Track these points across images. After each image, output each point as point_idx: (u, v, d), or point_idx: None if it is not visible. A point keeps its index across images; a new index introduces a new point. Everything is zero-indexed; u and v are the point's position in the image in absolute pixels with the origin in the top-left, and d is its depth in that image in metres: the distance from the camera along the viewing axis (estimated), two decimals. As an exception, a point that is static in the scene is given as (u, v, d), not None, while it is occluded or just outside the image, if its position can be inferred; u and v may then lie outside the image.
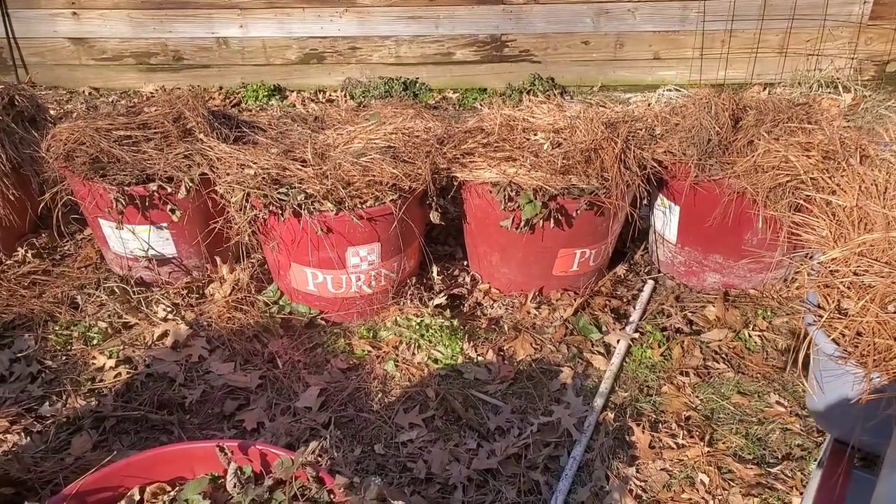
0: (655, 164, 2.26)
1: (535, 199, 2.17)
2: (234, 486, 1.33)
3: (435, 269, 2.58)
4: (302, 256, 2.26)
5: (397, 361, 2.26)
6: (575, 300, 2.47)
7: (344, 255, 2.24)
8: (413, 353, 2.29)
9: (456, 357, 2.27)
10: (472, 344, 2.30)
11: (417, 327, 2.35)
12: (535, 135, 2.30)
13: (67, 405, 2.06)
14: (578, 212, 2.19)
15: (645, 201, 2.42)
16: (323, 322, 2.44)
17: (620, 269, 2.68)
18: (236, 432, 1.99)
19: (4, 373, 2.17)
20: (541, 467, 1.89)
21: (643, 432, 1.96)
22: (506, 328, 2.41)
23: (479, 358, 2.27)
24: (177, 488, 1.38)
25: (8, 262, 2.67)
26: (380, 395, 2.14)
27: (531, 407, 2.10)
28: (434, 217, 2.32)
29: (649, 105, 2.47)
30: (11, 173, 2.48)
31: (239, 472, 1.35)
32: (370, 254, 2.27)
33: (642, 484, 1.84)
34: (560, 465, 1.90)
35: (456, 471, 1.86)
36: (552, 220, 2.21)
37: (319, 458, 1.33)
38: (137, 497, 1.35)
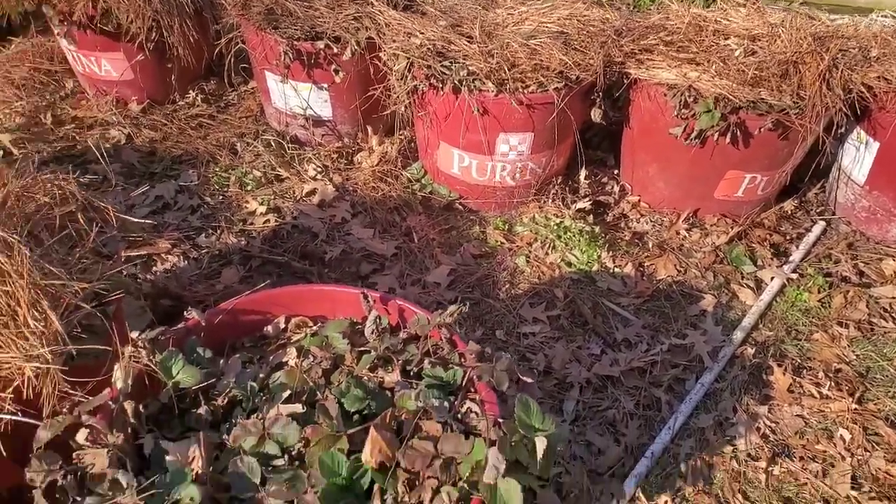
0: (863, 91, 1.98)
1: (715, 109, 1.98)
2: (372, 333, 1.37)
3: (584, 171, 2.47)
4: (453, 136, 2.22)
5: (529, 258, 2.22)
6: (731, 228, 2.29)
7: (494, 140, 2.18)
8: (546, 253, 2.23)
9: (591, 264, 2.19)
10: (610, 254, 2.21)
11: (555, 228, 2.28)
12: (727, 39, 2.07)
13: (220, 240, 2.21)
14: (761, 130, 1.98)
15: (841, 130, 2.15)
16: (460, 207, 2.42)
17: (789, 205, 2.44)
18: (368, 293, 2.05)
19: (170, 201, 2.34)
20: (664, 386, 1.81)
21: (784, 374, 1.82)
22: (650, 245, 2.28)
23: (616, 269, 2.18)
24: (318, 325, 1.44)
25: (180, 102, 2.84)
26: (507, 286, 2.12)
27: (664, 327, 2.00)
28: (596, 115, 2.19)
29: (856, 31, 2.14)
30: (194, 16, 2.59)
31: (378, 320, 1.38)
32: (521, 143, 2.20)
33: (772, 425, 1.73)
34: (685, 388, 1.82)
35: (576, 370, 1.83)
36: (728, 136, 2.01)
37: (452, 324, 1.33)
38: (283, 325, 1.42)
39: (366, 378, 1.31)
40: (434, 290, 2.07)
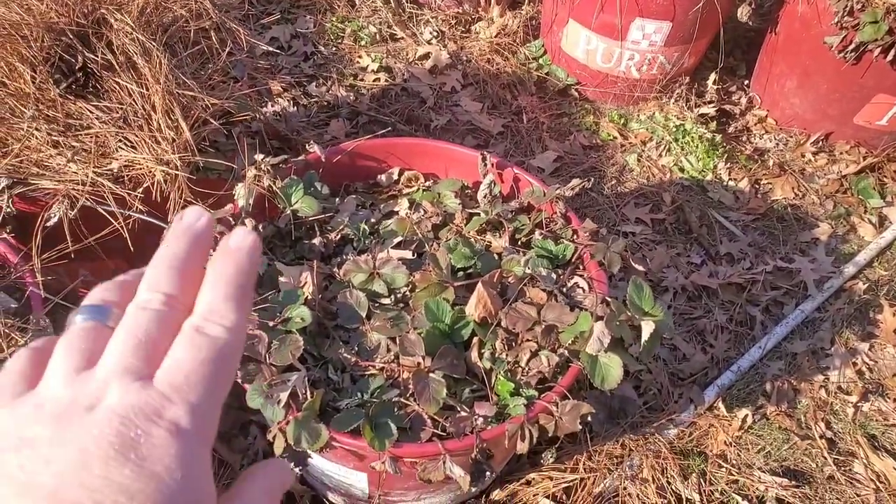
0: None
1: (883, 20, 1.77)
2: (485, 198, 1.35)
3: (713, 76, 2.30)
4: (585, 14, 2.08)
5: (641, 157, 2.12)
6: (864, 158, 2.12)
7: (628, 26, 2.04)
8: (660, 155, 2.13)
9: (705, 173, 2.08)
10: (727, 165, 2.09)
11: (674, 130, 2.16)
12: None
13: (331, 91, 2.19)
14: (933, 50, 1.77)
15: None
16: (576, 94, 2.32)
17: (934, 144, 2.23)
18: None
19: (285, 44, 2.33)
20: (762, 306, 1.75)
21: (894, 315, 1.72)
22: (770, 163, 2.14)
23: (731, 182, 2.07)
24: (430, 182, 1.43)
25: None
26: (613, 182, 2.05)
27: (771, 248, 1.91)
28: (743, 13, 2.01)
29: None
30: None
31: (492, 185, 1.36)
32: (656, 33, 2.05)
33: (870, 363, 1.66)
34: (783, 312, 1.75)
35: (672, 276, 1.78)
36: (891, 54, 1.81)
37: (570, 199, 1.29)
38: (396, 177, 1.42)
39: (473, 239, 1.30)
40: (537, 175, 2.02)
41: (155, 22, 1.39)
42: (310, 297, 1.14)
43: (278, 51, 2.30)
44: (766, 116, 2.29)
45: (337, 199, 1.33)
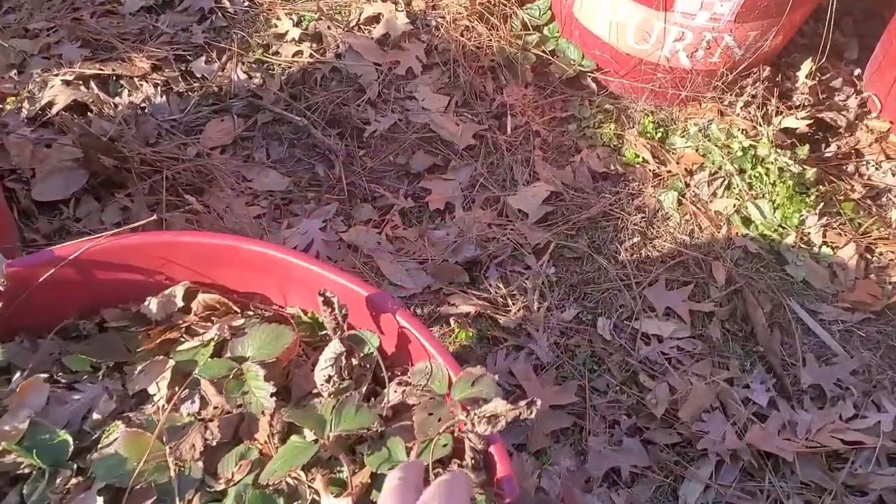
0: None
1: None
2: (329, 382, 0.65)
3: (807, 65, 1.50)
4: (609, -35, 1.30)
5: (685, 196, 1.37)
6: None
7: (679, -14, 1.25)
8: (714, 195, 1.37)
9: (785, 231, 1.32)
10: (821, 220, 1.32)
11: (740, 154, 1.39)
12: None
13: (225, 70, 1.47)
14: None
15: None
16: (593, 85, 1.54)
17: None
18: (412, 206, 1.31)
19: (172, -4, 1.60)
20: (874, 499, 1.03)
21: None
22: (894, 216, 1.36)
23: (826, 250, 1.30)
24: (246, 317, 0.73)
25: None
26: (636, 240, 1.30)
27: (894, 377, 1.16)
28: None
29: None
30: None
31: (340, 358, 0.65)
32: (723, 2, 1.26)
33: None
34: (905, 509, 1.02)
35: (717, 428, 1.06)
36: None
37: (502, 422, 0.58)
38: (180, 302, 0.72)
39: (283, 487, 0.61)
40: (514, 223, 1.29)
41: None
42: None
43: (160, 8, 1.58)
44: (889, 131, 1.49)
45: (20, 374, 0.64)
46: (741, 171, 1.38)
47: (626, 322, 1.20)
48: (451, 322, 1.17)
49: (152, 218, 0.70)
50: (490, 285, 1.22)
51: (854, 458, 1.05)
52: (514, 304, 1.20)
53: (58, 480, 0.59)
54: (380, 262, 1.22)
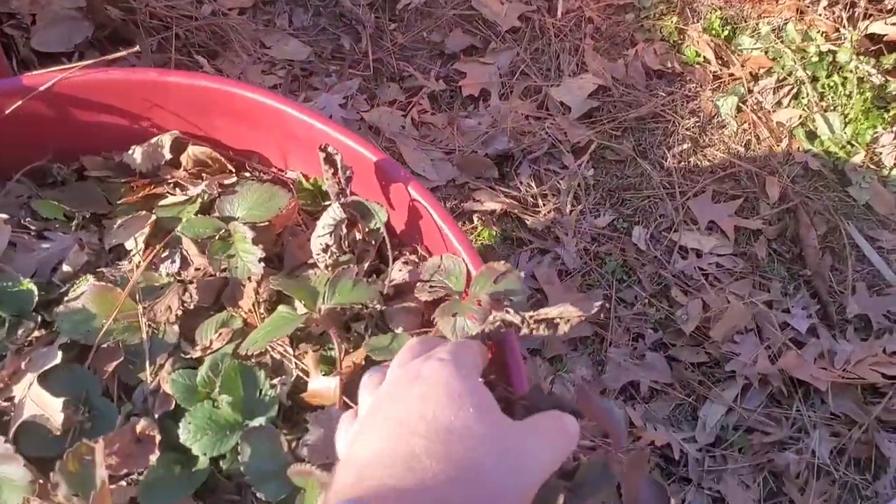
0: None
1: None
2: (326, 252, 0.57)
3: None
4: None
5: (745, 103, 1.23)
6: None
7: None
8: (779, 103, 1.23)
9: (854, 149, 1.19)
10: (897, 139, 1.18)
11: (815, 60, 1.24)
12: None
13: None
14: None
15: None
16: (658, -28, 1.38)
17: None
18: (443, 89, 1.19)
19: None
20: (907, 440, 0.95)
21: None
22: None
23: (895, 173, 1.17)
24: (241, 178, 0.65)
25: None
26: (686, 146, 1.18)
27: (950, 318, 1.06)
28: None
29: None
30: None
31: (341, 225, 0.57)
32: None
33: None
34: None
35: (748, 350, 0.98)
36: None
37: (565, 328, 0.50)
38: (168, 154, 0.64)
39: (267, 361, 0.55)
40: (555, 118, 1.18)
41: None
42: None
43: None
44: None
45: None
46: (814, 79, 1.23)
47: (664, 233, 1.10)
48: (475, 219, 1.09)
49: (135, 49, 0.60)
50: (520, 183, 1.12)
51: (893, 393, 0.97)
52: (544, 204, 1.11)
53: (19, 331, 0.53)
54: (402, 147, 1.13)
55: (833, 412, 0.97)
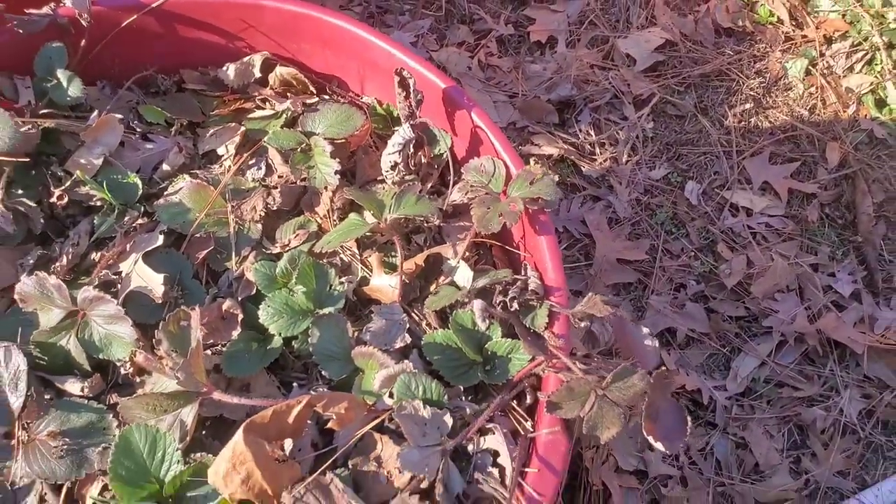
0: None
1: None
2: (394, 170, 0.63)
3: None
4: None
5: (815, 66, 1.21)
6: None
7: None
8: (851, 68, 1.21)
9: (923, 119, 1.17)
10: (971, 113, 1.16)
11: (893, 26, 1.21)
12: None
13: None
14: None
15: None
16: (740, -73, 1.35)
17: None
18: (511, 34, 1.22)
19: None
20: (937, 409, 0.97)
21: None
22: None
23: (966, 147, 1.15)
24: (318, 99, 0.71)
25: None
26: (748, 106, 1.18)
27: None
28: None
29: None
30: None
31: (409, 145, 0.62)
32: None
33: None
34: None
35: (787, 308, 1.01)
36: None
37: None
38: (258, 72, 0.71)
39: (337, 262, 0.62)
40: (620, 69, 1.19)
41: None
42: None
43: None
44: None
45: (95, 114, 0.65)
46: (889, 46, 1.20)
47: (717, 190, 1.12)
48: (531, 162, 1.12)
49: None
50: (579, 130, 1.15)
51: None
52: (601, 153, 1.13)
53: (126, 218, 0.61)
54: (467, 88, 1.17)
55: (866, 375, 0.99)
